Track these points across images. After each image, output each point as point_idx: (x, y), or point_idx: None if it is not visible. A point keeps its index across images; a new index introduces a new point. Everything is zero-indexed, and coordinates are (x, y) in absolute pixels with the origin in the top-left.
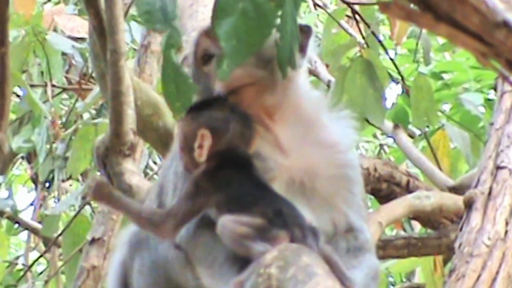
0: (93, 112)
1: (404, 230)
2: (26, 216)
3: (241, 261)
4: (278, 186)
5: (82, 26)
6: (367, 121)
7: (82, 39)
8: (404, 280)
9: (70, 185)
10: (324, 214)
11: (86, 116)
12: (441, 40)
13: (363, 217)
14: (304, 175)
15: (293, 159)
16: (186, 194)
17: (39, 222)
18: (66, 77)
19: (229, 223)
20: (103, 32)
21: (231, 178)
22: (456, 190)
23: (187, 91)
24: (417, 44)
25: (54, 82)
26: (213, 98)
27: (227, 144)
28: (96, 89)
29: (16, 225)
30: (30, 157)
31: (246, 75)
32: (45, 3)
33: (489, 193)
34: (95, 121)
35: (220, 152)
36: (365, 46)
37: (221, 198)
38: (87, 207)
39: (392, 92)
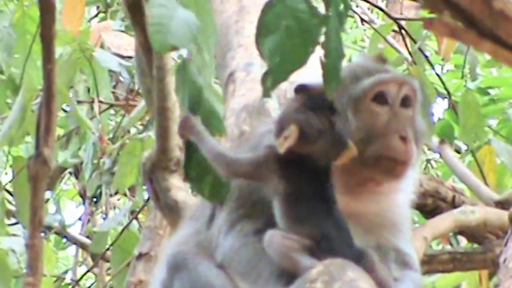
0: (140, 127)
1: (451, 244)
2: (74, 231)
3: (287, 277)
4: None
5: (129, 44)
6: None
7: (129, 58)
8: None
9: (118, 200)
10: (370, 239)
11: (133, 131)
12: (488, 56)
13: (408, 240)
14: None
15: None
16: (253, 159)
17: (87, 237)
18: (113, 93)
19: (277, 237)
20: (149, 48)
21: (299, 179)
22: (502, 204)
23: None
24: (464, 60)
25: (101, 98)
26: (331, 105)
27: (309, 152)
28: (142, 103)
29: (64, 240)
30: (78, 172)
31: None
32: (92, 18)
33: None
34: (142, 135)
35: (301, 154)
36: (412, 62)
37: (280, 188)
38: (135, 222)
39: (439, 108)
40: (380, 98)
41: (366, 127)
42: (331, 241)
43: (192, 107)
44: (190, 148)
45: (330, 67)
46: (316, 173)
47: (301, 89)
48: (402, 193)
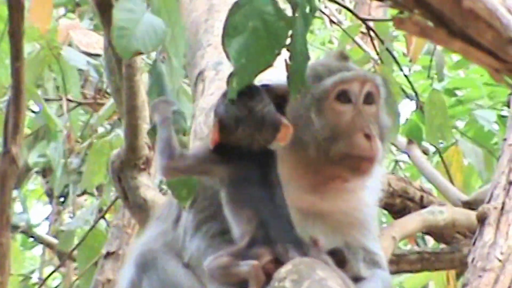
0: (108, 126)
1: (418, 244)
2: (41, 230)
3: None
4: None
5: (97, 42)
6: None
7: (97, 55)
8: None
9: (85, 200)
10: (338, 238)
11: (101, 130)
12: (455, 57)
13: (376, 239)
14: (323, 206)
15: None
16: (195, 153)
17: (54, 237)
18: (81, 92)
19: (211, 263)
20: None
21: (240, 166)
22: (470, 205)
23: None
24: (431, 60)
25: (69, 97)
26: (251, 91)
27: (237, 141)
28: (110, 102)
29: (31, 240)
30: (45, 171)
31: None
32: (60, 17)
33: (502, 208)
34: (110, 136)
35: (231, 142)
36: (379, 62)
37: (224, 177)
38: (102, 221)
39: (406, 108)
40: (343, 96)
41: (330, 126)
42: (269, 227)
43: None
44: None
45: (295, 69)
46: (257, 160)
47: (265, 90)
48: (369, 191)
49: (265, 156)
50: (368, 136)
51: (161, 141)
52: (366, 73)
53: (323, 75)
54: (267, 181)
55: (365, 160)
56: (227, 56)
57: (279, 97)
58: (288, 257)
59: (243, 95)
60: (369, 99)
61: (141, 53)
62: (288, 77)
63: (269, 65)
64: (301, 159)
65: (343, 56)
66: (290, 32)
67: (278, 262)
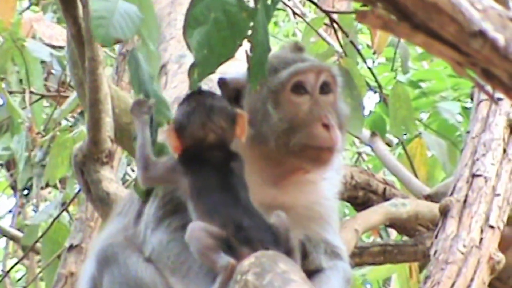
0: (72, 119)
1: (381, 237)
2: (5, 223)
3: None
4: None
5: (60, 34)
6: None
7: (61, 47)
8: (382, 287)
9: (49, 193)
10: (299, 231)
11: (64, 123)
12: (419, 49)
13: (336, 232)
14: (284, 200)
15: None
16: (166, 163)
17: (18, 229)
18: (44, 85)
19: (197, 232)
20: (81, 40)
21: (202, 173)
22: (431, 198)
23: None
24: (395, 53)
25: (32, 89)
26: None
27: (192, 137)
28: (73, 95)
29: None
30: (9, 164)
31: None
32: (24, 10)
33: (465, 201)
34: (73, 133)
35: (192, 146)
36: (343, 55)
37: (188, 187)
38: (65, 214)
39: (370, 101)
40: (299, 88)
41: (288, 118)
42: (246, 229)
43: (144, 95)
44: None
45: (256, 61)
46: (217, 166)
47: (222, 83)
48: (330, 183)
49: (226, 161)
50: (326, 126)
51: (137, 150)
52: (321, 63)
53: (278, 68)
54: (228, 186)
55: (325, 150)
56: (189, 47)
57: (235, 91)
58: None
59: (192, 94)
60: (326, 89)
61: (120, 41)
62: (248, 69)
63: (231, 56)
64: (261, 153)
65: (298, 48)
66: (251, 24)
67: None
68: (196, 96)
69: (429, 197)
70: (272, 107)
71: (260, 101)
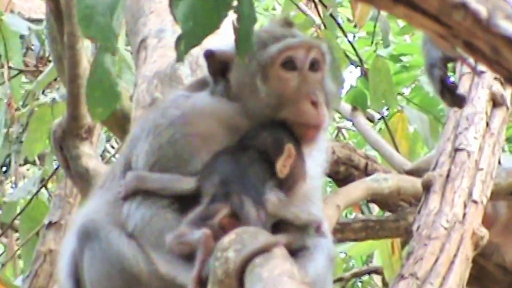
0: (50, 95)
1: (362, 212)
2: None
3: None
4: None
5: (39, 7)
6: None
7: (40, 21)
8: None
9: (28, 170)
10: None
11: (43, 98)
12: (401, 23)
13: (319, 210)
14: None
15: None
16: None
17: None
18: (23, 60)
19: (169, 239)
20: (60, 14)
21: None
22: (412, 173)
23: (112, 99)
24: (374, 26)
25: (11, 65)
26: None
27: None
28: (49, 67)
29: None
30: None
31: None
32: None
33: (448, 176)
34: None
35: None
36: (321, 26)
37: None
38: (44, 191)
39: (352, 75)
40: (289, 63)
41: (276, 93)
42: (229, 183)
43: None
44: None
45: (243, 32)
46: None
47: (209, 55)
48: (315, 162)
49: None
50: (314, 103)
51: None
52: (312, 40)
53: (268, 42)
54: (237, 152)
55: (312, 127)
56: (175, 19)
57: (222, 63)
58: (244, 210)
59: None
60: (315, 66)
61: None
62: (235, 40)
63: (217, 27)
64: (247, 128)
65: (287, 23)
66: None
67: (235, 216)
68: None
69: (410, 173)
70: (261, 82)
71: (248, 75)
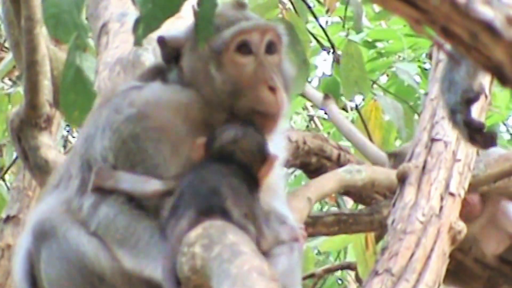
0: (8, 83)
1: (338, 205)
2: None
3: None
4: None
5: None
6: None
7: None
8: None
9: None
10: None
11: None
12: (377, 8)
13: (283, 201)
14: None
15: None
16: None
17: None
18: None
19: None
20: None
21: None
22: (395, 156)
23: (87, 100)
24: (345, 9)
25: None
26: None
27: (220, 150)
28: (9, 56)
29: None
30: None
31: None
32: None
33: (424, 167)
34: (9, 91)
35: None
36: (287, 7)
37: None
38: (2, 183)
39: (326, 63)
40: (244, 48)
41: (232, 79)
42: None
43: None
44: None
45: (203, 16)
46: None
47: (161, 41)
48: (275, 150)
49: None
50: (272, 89)
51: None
52: (267, 22)
53: (220, 26)
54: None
55: (270, 116)
56: (133, 1)
57: (175, 50)
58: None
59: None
60: (271, 48)
61: None
62: (196, 24)
63: (176, 11)
64: (203, 117)
65: (239, 4)
66: None
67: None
68: (242, 123)
69: (393, 156)
70: (215, 69)
71: (201, 62)
